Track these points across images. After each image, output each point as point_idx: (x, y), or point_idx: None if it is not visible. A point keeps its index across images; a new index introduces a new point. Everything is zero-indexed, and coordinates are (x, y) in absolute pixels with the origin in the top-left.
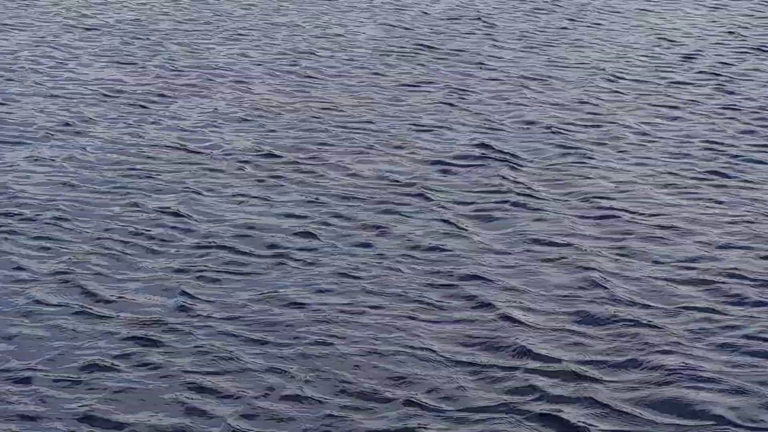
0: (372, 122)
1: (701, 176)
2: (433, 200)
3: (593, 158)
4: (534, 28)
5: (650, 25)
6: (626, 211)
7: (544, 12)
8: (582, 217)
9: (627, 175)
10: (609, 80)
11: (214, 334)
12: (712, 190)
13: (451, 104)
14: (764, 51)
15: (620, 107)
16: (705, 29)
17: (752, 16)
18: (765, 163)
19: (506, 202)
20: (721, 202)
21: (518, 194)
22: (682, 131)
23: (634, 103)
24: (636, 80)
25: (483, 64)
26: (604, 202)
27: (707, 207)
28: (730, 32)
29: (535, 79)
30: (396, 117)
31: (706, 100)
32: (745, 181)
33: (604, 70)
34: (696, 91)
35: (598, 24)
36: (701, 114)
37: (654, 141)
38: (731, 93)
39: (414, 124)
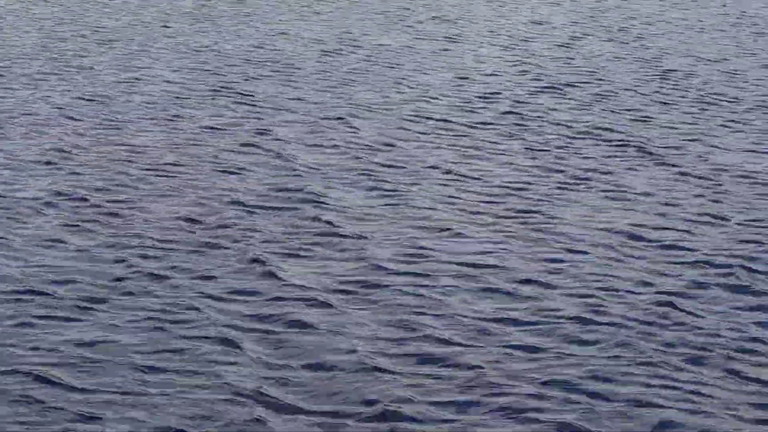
0: (175, 165)
1: (505, 215)
2: (240, 242)
3: (399, 199)
4: (332, 69)
5: (449, 66)
6: (434, 250)
7: (343, 53)
8: (391, 257)
9: (433, 218)
10: (410, 121)
11: (11, 384)
12: (516, 229)
13: (254, 146)
14: (558, 89)
15: (422, 148)
16: (503, 68)
17: (545, 56)
18: (565, 201)
19: (314, 243)
20: (526, 241)
21: (326, 235)
22: (486, 171)
23: (436, 143)
24: (438, 120)
25: (284, 106)
26: (412, 242)
27: (512, 246)
28: (525, 71)
29: (336, 120)
30: (199, 159)
31: (507, 140)
32: (549, 217)
33: (404, 111)
34: (497, 131)
35: (397, 65)
36: (503, 153)
37: (458, 181)
38: (530, 132)
39: (218, 167)
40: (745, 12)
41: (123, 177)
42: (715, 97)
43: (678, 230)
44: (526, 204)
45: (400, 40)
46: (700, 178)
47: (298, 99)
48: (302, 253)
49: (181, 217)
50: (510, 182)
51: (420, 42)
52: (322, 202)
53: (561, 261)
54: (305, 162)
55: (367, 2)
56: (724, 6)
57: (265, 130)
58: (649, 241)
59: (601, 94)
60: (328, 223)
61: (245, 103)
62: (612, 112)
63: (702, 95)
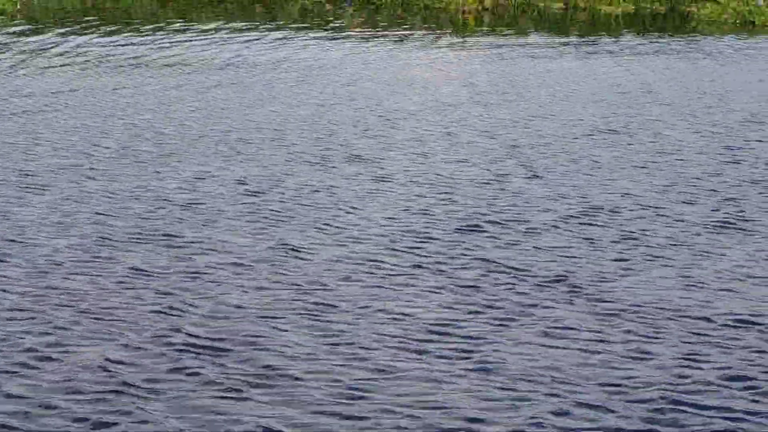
0: (103, 309)
1: (437, 353)
2: (173, 387)
3: (332, 339)
4: (257, 210)
5: (375, 205)
6: (371, 390)
7: (267, 194)
8: (327, 397)
9: (368, 357)
10: (340, 261)
11: None
12: (448, 368)
13: (183, 289)
14: (483, 227)
15: (352, 287)
16: (428, 207)
17: (468, 194)
18: (495, 340)
19: (250, 384)
20: (458, 380)
21: (262, 377)
22: (417, 309)
23: (366, 283)
24: (367, 260)
25: (211, 248)
26: (349, 382)
27: (446, 385)
28: (451, 210)
29: (265, 261)
30: (128, 304)
31: (437, 279)
32: (479, 356)
33: (333, 252)
34: (426, 270)
35: (322, 206)
36: (433, 292)
37: (391, 320)
38: (458, 270)
39: (147, 311)
40: (663, 150)
41: (51, 322)
42: (638, 232)
43: (605, 368)
44: (457, 342)
45: (322, 180)
46: (625, 313)
47: (226, 241)
48: (239, 395)
49: (112, 360)
50: (441, 321)
51: (342, 182)
52: (253, 344)
53: (490, 400)
54: (237, 304)
55: (289, 140)
56: (644, 144)
57: (193, 272)
58: (577, 379)
59: (525, 232)
60: (265, 366)
61: (172, 246)
62: (537, 248)
63: (625, 231)
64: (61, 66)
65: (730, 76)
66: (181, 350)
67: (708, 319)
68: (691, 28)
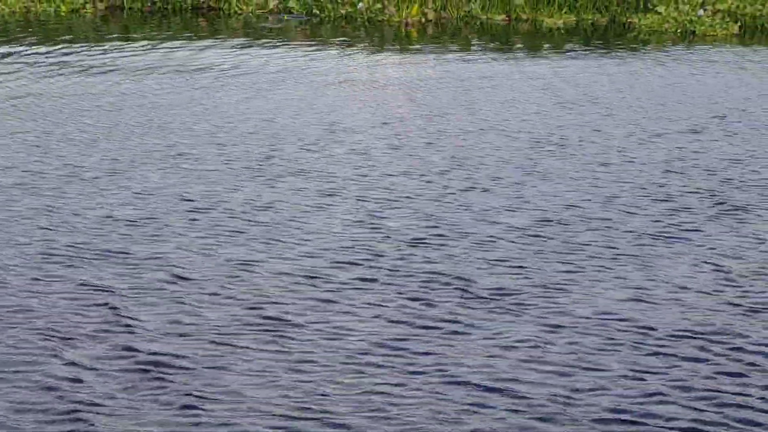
0: (45, 329)
1: (376, 372)
2: (80, 411)
3: (282, 359)
4: (204, 227)
5: (321, 221)
6: (314, 406)
7: (212, 210)
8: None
9: (310, 375)
10: (288, 275)
11: None
12: (391, 385)
13: (117, 307)
14: (426, 235)
15: (305, 303)
16: (374, 222)
17: (402, 207)
18: (440, 354)
19: (169, 407)
20: (405, 384)
21: (185, 394)
22: (369, 325)
23: (321, 298)
24: (317, 277)
25: (154, 266)
26: (295, 405)
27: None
28: (390, 224)
29: (214, 278)
30: (72, 321)
31: (383, 294)
32: (435, 366)
33: (282, 267)
34: (373, 289)
35: (268, 222)
36: (379, 306)
37: (340, 336)
38: (403, 282)
39: (83, 332)
40: (606, 160)
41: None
42: (584, 243)
43: (553, 380)
44: (406, 357)
45: (268, 195)
46: (573, 325)
47: (172, 257)
48: (188, 413)
49: (60, 379)
50: (389, 335)
51: (289, 196)
52: (200, 361)
53: (438, 415)
54: (183, 321)
55: (233, 154)
56: (587, 155)
57: (140, 289)
58: (525, 391)
59: (472, 244)
60: (212, 384)
61: (118, 263)
62: (484, 260)
63: (571, 242)
64: None
65: (671, 86)
66: (128, 369)
67: (653, 330)
68: (632, 38)
